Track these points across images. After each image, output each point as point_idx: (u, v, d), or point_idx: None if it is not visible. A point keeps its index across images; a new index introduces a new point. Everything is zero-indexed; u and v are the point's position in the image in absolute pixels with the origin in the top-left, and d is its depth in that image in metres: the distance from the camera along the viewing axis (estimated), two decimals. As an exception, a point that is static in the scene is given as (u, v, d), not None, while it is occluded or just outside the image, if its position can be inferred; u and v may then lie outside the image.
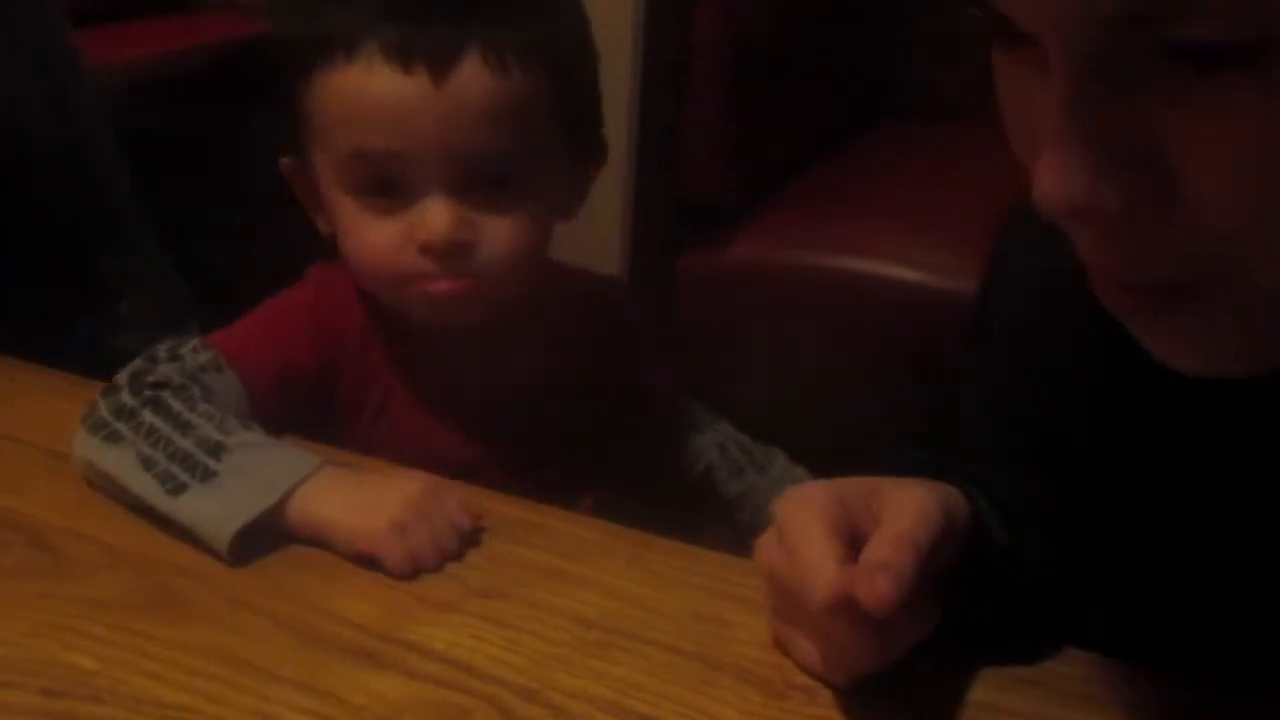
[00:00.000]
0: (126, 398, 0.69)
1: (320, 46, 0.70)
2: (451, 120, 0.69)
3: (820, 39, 2.03)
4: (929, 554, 0.53)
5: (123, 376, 0.71)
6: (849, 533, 0.55)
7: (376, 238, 0.72)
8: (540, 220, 0.75)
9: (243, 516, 0.63)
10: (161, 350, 0.73)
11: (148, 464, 0.65)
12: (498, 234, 0.73)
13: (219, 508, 0.63)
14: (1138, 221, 0.36)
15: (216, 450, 0.65)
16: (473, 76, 0.69)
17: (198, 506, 0.63)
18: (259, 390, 0.74)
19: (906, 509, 0.55)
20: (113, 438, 0.67)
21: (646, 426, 0.89)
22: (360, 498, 0.65)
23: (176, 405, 0.68)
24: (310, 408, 0.78)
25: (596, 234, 1.73)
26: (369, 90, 0.69)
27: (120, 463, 0.66)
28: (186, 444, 0.66)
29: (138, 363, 0.72)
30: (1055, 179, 0.36)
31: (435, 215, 0.71)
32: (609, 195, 1.77)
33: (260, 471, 0.65)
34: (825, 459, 0.63)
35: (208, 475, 0.64)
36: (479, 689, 0.56)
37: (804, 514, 0.55)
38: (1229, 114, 0.34)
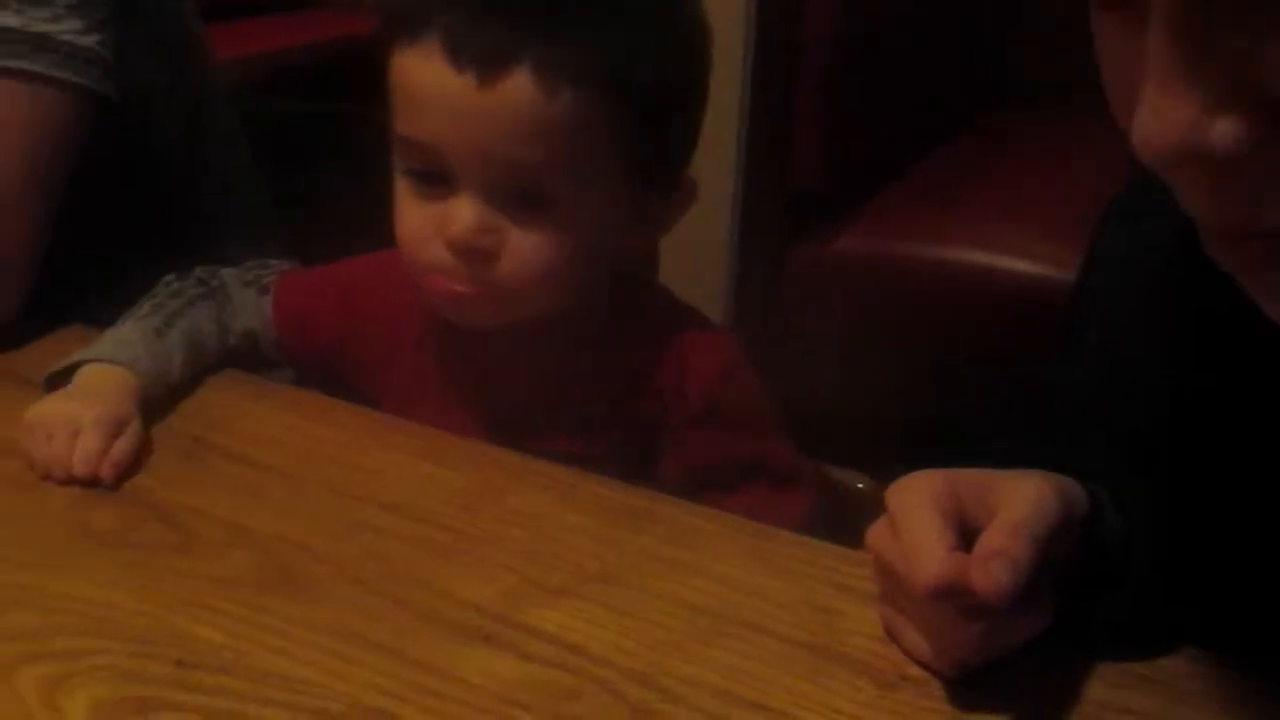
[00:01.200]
0: (189, 275, 0.86)
1: (399, 26, 0.71)
2: (490, 124, 0.68)
3: (929, 31, 2.00)
4: (1045, 544, 0.53)
5: (215, 268, 0.87)
6: (961, 523, 0.54)
7: (412, 220, 0.73)
8: (576, 243, 0.72)
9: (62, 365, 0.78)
10: (259, 265, 0.88)
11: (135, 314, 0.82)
12: (524, 250, 0.71)
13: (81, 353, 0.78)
14: (1251, 161, 0.34)
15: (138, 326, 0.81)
16: (519, 87, 0.67)
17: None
18: (278, 328, 0.85)
19: (1023, 498, 0.54)
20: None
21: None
22: (64, 398, 0.75)
23: (172, 302, 0.83)
24: (339, 369, 0.84)
25: (706, 224, 1.73)
26: (420, 78, 0.69)
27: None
28: (143, 311, 0.82)
29: (246, 265, 0.87)
30: (1159, 120, 0.34)
31: (462, 212, 0.70)
32: (719, 185, 1.77)
33: (102, 345, 0.79)
34: (929, 450, 0.62)
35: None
36: (591, 671, 0.57)
37: (916, 500, 0.55)
38: None
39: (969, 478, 0.56)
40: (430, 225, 0.72)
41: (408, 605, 0.62)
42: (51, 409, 0.74)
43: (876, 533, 0.58)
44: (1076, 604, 0.57)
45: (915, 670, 0.57)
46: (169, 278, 0.85)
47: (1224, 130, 0.33)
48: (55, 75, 0.84)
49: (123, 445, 0.72)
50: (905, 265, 1.74)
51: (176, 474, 0.73)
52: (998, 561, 0.50)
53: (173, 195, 1.04)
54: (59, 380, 0.77)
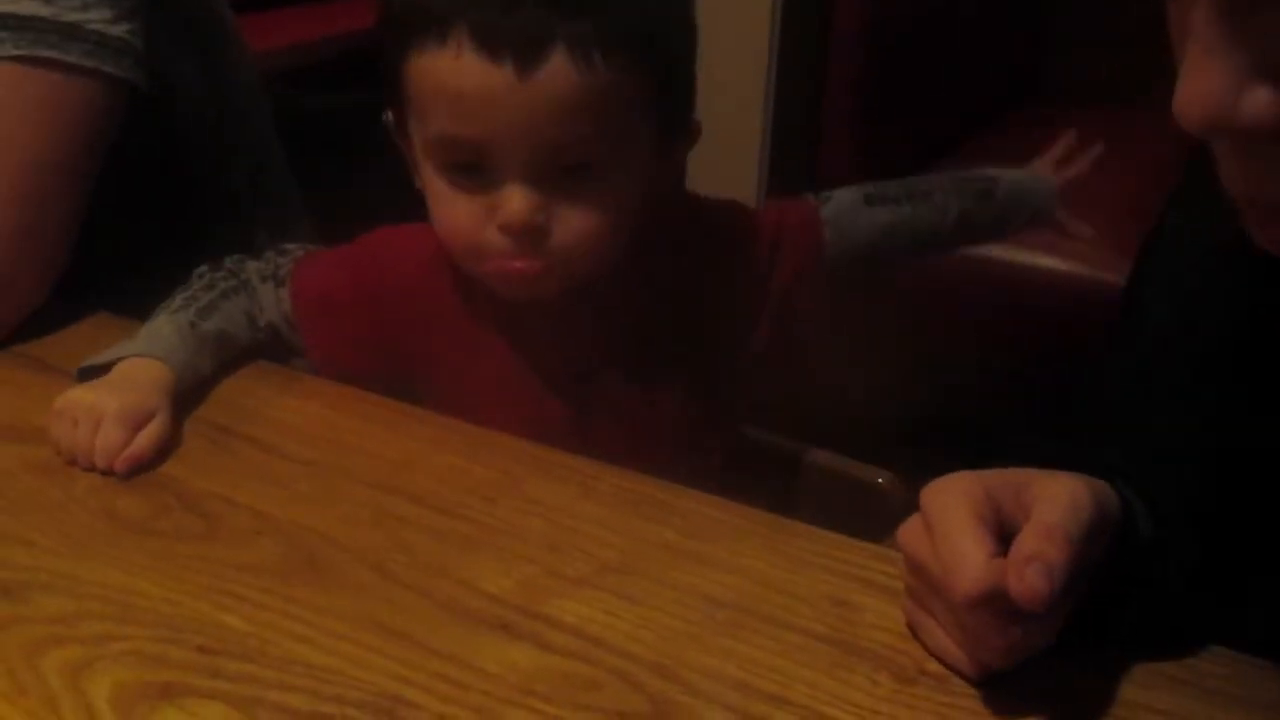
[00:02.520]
0: (221, 267, 0.86)
1: (416, 26, 0.71)
2: (535, 112, 0.70)
3: (963, 23, 1.99)
4: (1081, 546, 0.52)
5: (242, 258, 0.87)
6: (997, 524, 0.54)
7: (459, 214, 0.74)
8: (620, 203, 0.75)
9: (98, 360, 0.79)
10: (276, 253, 0.88)
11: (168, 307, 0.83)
12: (573, 220, 0.73)
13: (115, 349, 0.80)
14: None
15: (173, 319, 0.82)
16: (558, 69, 0.69)
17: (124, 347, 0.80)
18: (297, 314, 0.85)
19: (1058, 501, 0.54)
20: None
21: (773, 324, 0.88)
22: (93, 387, 0.76)
23: (206, 295, 0.84)
24: (376, 357, 0.85)
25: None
26: (457, 78, 0.70)
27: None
28: (176, 304, 0.83)
29: (266, 255, 0.88)
30: (1196, 87, 0.35)
31: (514, 199, 0.72)
32: (747, 182, 1.77)
33: (137, 340, 0.80)
34: (966, 448, 0.62)
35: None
36: (610, 662, 0.57)
37: (952, 503, 0.55)
38: None
39: (1003, 478, 0.56)
40: (479, 215, 0.73)
41: (429, 595, 0.62)
42: (79, 397, 0.75)
43: (910, 532, 0.57)
44: (1107, 604, 0.56)
45: (934, 665, 0.57)
46: (201, 269, 0.86)
47: (1254, 100, 0.34)
48: (85, 64, 0.85)
49: (142, 441, 0.73)
50: (936, 261, 1.74)
51: (204, 463, 0.74)
52: (1034, 567, 0.50)
53: (202, 183, 1.04)
54: (92, 375, 0.78)
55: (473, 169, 0.73)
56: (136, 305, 0.85)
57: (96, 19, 0.85)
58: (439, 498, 0.70)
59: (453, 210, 0.75)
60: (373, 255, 0.86)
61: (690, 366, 0.84)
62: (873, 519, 0.86)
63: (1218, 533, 0.59)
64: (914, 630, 0.59)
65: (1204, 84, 0.35)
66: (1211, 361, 0.61)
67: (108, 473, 0.72)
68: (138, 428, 0.73)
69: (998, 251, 1.69)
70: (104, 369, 0.78)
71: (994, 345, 1.68)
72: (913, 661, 0.57)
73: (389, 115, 0.80)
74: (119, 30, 0.86)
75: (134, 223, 0.96)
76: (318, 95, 1.70)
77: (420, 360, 0.85)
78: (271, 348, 0.86)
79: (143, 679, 0.56)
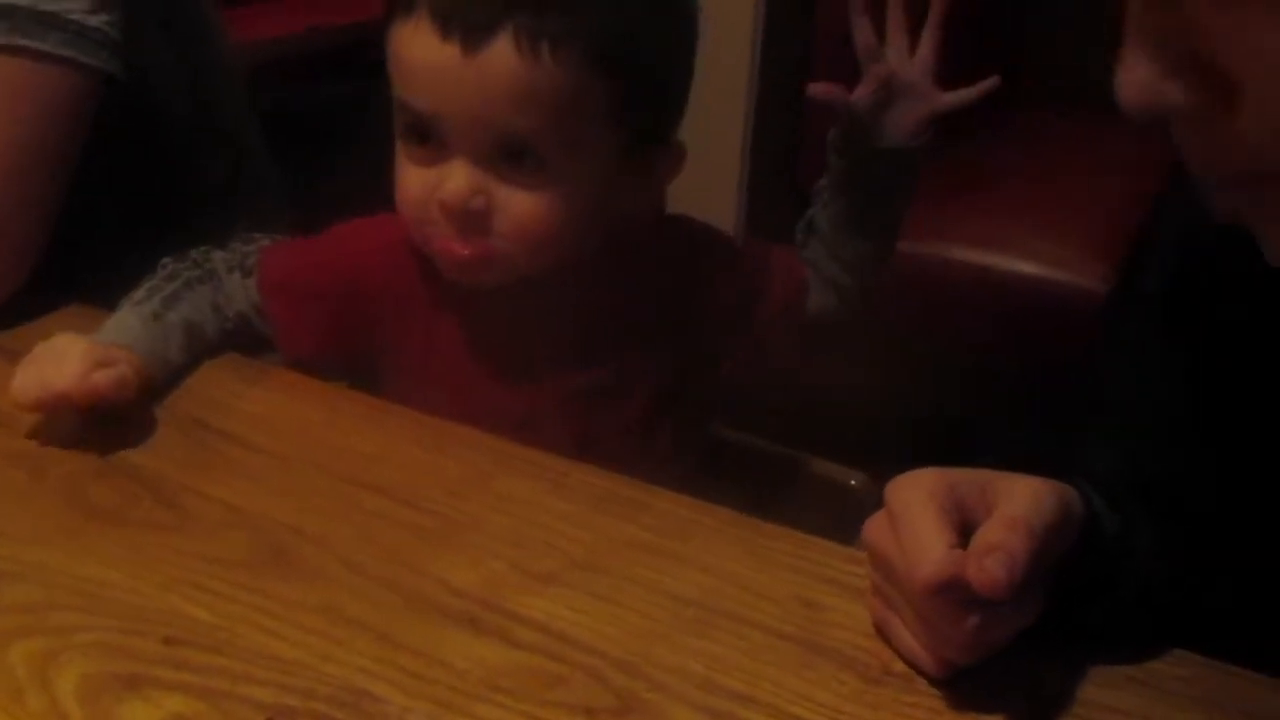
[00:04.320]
0: (186, 258, 0.85)
1: (392, 1, 0.74)
2: (477, 91, 0.71)
3: (946, 27, 2.00)
4: (1042, 540, 0.53)
5: (208, 250, 0.86)
6: (960, 520, 0.55)
7: (409, 183, 0.76)
8: (568, 204, 0.75)
9: None
10: (242, 242, 0.87)
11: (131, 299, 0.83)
12: (514, 208, 0.74)
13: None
14: (1205, 120, 0.39)
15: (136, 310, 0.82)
16: (500, 55, 0.70)
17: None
18: (264, 301, 0.84)
19: (1022, 495, 0.55)
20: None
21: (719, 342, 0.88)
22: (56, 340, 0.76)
23: (169, 285, 0.83)
24: (343, 344, 0.84)
25: (713, 224, 1.73)
26: (412, 49, 0.73)
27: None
28: (140, 296, 0.82)
29: (232, 246, 0.87)
30: (1125, 79, 0.40)
31: (454, 176, 0.74)
32: (726, 186, 1.77)
33: (102, 332, 0.80)
34: (939, 450, 0.62)
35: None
36: (576, 659, 0.57)
37: (916, 496, 0.55)
38: (1273, 21, 0.36)
39: (968, 475, 0.57)
40: (426, 188, 0.75)
41: (397, 589, 0.62)
42: (42, 345, 0.75)
43: (874, 526, 0.58)
44: (1070, 604, 0.57)
45: (900, 665, 0.57)
46: (165, 261, 0.86)
47: (1174, 90, 0.39)
48: (63, 54, 0.85)
49: (100, 377, 0.73)
50: (912, 265, 1.74)
51: (175, 454, 0.74)
52: (994, 556, 0.51)
53: (181, 175, 1.04)
54: None
55: (428, 139, 0.75)
56: (112, 297, 0.84)
57: (74, 8, 0.85)
58: (408, 491, 0.70)
59: (405, 178, 0.76)
60: (339, 243, 0.86)
61: (649, 382, 0.84)
62: (845, 520, 0.87)
63: (1188, 522, 0.60)
64: (879, 629, 0.59)
65: (1132, 75, 0.40)
66: (1203, 358, 0.61)
67: (60, 404, 0.72)
68: (99, 365, 0.74)
69: (977, 257, 1.70)
70: None
71: (972, 350, 1.69)
72: (878, 661, 0.58)
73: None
74: (97, 20, 0.86)
75: (111, 214, 0.95)
76: (300, 88, 1.70)
77: (383, 348, 0.85)
78: (241, 339, 0.86)
79: (108, 670, 0.56)
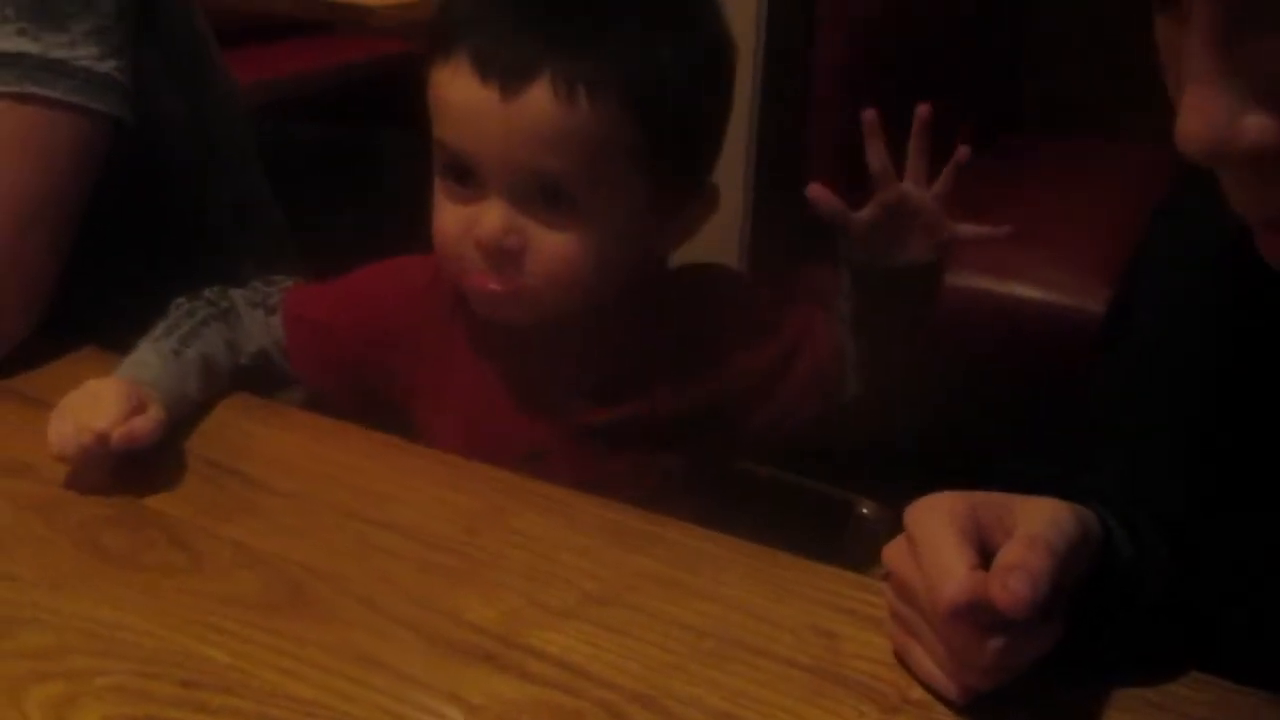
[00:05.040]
0: (200, 297, 0.87)
1: (435, 43, 0.76)
2: (513, 134, 0.73)
3: (944, 54, 2.01)
4: (1063, 560, 0.53)
5: (223, 288, 0.88)
6: (979, 541, 0.55)
7: (446, 220, 0.77)
8: (598, 245, 0.75)
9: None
10: (263, 283, 0.89)
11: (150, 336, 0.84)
12: (547, 247, 0.75)
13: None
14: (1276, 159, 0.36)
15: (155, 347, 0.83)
16: (538, 99, 0.72)
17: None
18: (291, 346, 0.87)
19: (1040, 516, 0.55)
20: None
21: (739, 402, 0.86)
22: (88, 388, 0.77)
23: (187, 322, 0.84)
24: (363, 379, 0.86)
25: (718, 243, 1.74)
26: (451, 90, 0.74)
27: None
28: (158, 333, 0.84)
29: (253, 285, 0.89)
30: (1195, 118, 0.36)
31: (490, 215, 0.75)
32: (731, 204, 1.77)
33: (122, 370, 0.81)
34: (948, 476, 0.62)
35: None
36: (593, 693, 0.57)
37: (936, 520, 0.55)
38: None
39: (987, 499, 0.57)
40: (462, 226, 0.76)
41: (413, 626, 0.62)
42: (76, 392, 0.76)
43: (894, 551, 0.58)
44: (1088, 627, 0.57)
45: (919, 693, 0.57)
46: (179, 300, 0.86)
47: (1252, 126, 0.36)
48: (72, 101, 0.86)
49: (140, 421, 0.74)
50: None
51: (189, 496, 0.74)
52: (1016, 575, 0.51)
53: (188, 217, 1.05)
54: None
55: (466, 179, 0.76)
56: (122, 338, 0.85)
57: (84, 55, 0.86)
58: (423, 529, 0.70)
59: (442, 215, 0.78)
60: (366, 284, 0.87)
61: (665, 425, 0.83)
62: (857, 548, 0.86)
63: (1198, 544, 0.59)
64: (899, 656, 0.59)
65: (1203, 114, 0.36)
66: (1197, 372, 0.61)
67: (99, 446, 0.72)
68: (135, 410, 0.74)
69: (984, 283, 1.70)
70: None
71: (980, 377, 1.68)
72: (896, 690, 0.58)
73: None
74: (106, 67, 0.87)
75: (118, 256, 0.96)
76: (309, 127, 1.71)
77: (402, 384, 0.86)
78: (254, 378, 0.87)
79: (127, 714, 0.56)
